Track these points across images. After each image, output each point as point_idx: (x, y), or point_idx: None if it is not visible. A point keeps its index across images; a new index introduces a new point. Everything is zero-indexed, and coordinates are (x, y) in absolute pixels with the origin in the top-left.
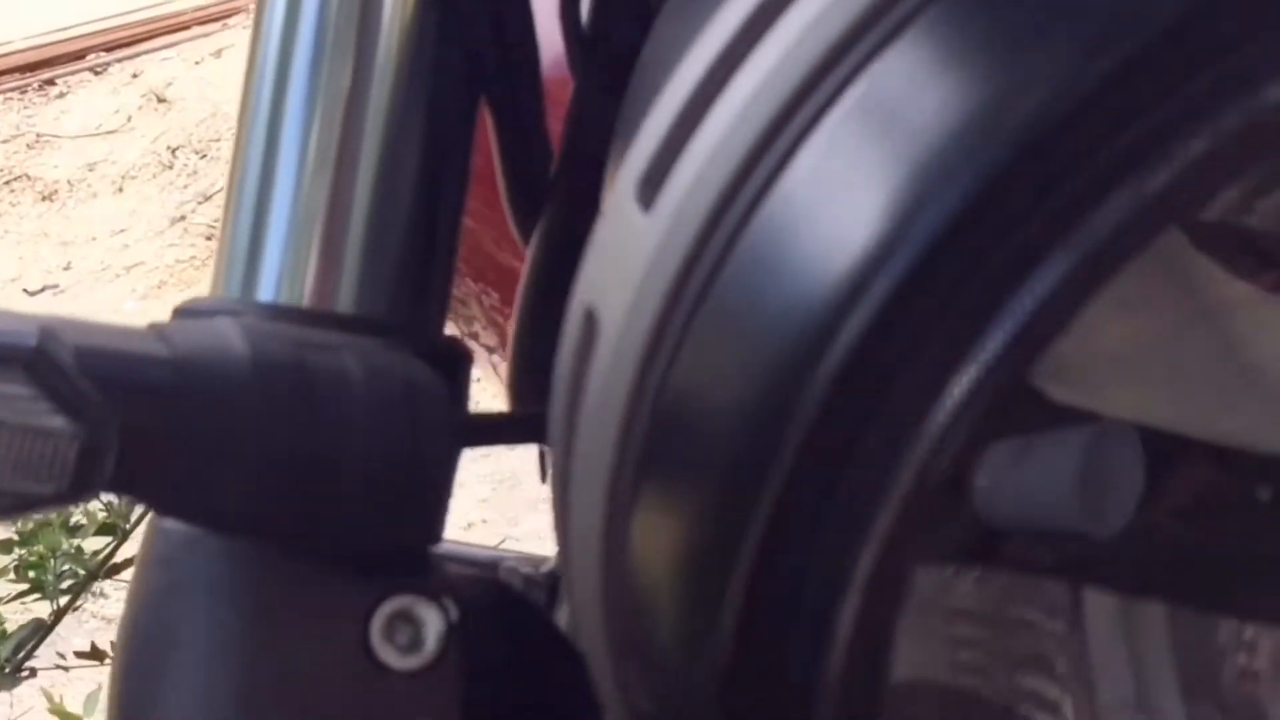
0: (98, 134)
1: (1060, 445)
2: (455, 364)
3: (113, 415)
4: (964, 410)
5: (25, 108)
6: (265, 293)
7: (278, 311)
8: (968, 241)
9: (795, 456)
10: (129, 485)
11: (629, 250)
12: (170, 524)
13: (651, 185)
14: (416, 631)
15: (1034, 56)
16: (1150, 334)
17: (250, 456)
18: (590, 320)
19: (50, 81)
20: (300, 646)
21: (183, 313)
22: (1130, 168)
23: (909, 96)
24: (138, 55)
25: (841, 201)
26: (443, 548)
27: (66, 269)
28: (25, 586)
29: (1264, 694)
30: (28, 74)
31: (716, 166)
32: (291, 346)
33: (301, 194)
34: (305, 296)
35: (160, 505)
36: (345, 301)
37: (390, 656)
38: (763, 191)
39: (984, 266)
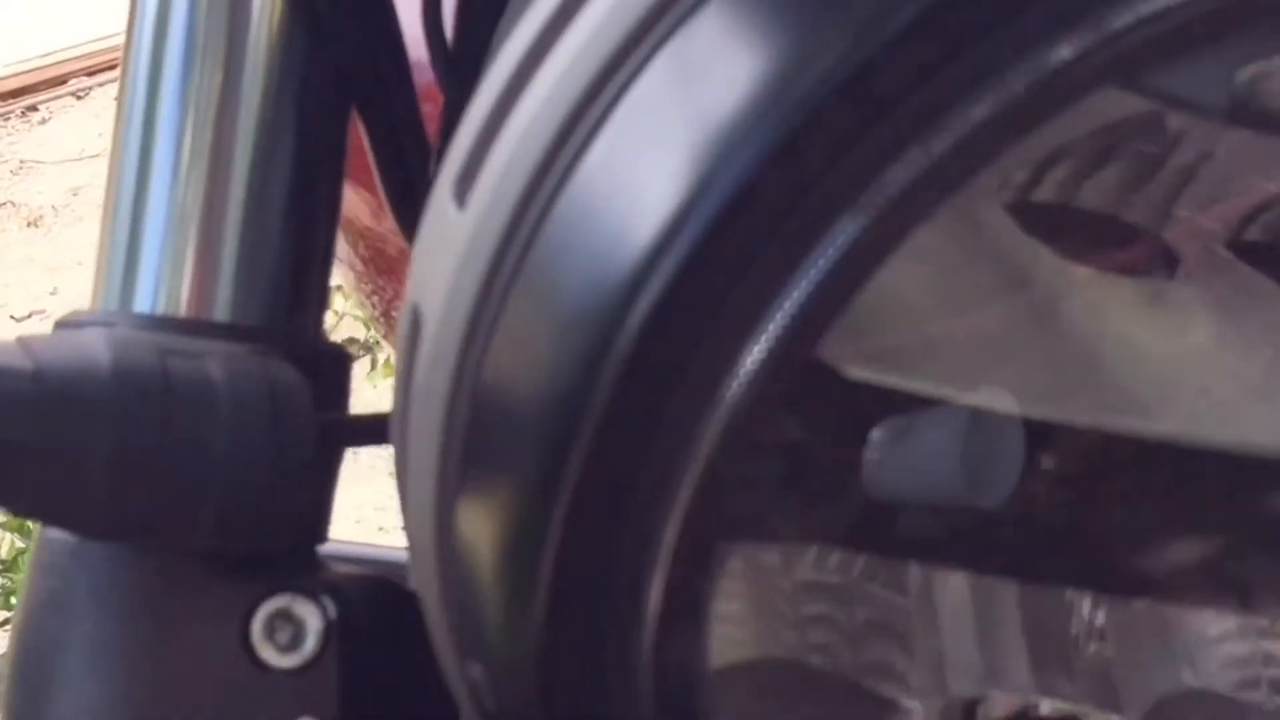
0: (81, 159)
1: (942, 421)
2: (332, 367)
3: None
4: (759, 380)
5: (8, 134)
6: (142, 304)
7: (151, 321)
8: (756, 211)
9: (596, 433)
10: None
11: (446, 247)
12: (54, 533)
13: (465, 182)
14: (297, 630)
15: (819, 26)
16: (985, 321)
17: (110, 463)
18: (415, 316)
19: (32, 108)
20: (182, 648)
21: (59, 325)
22: (916, 131)
23: (700, 75)
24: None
25: (636, 181)
26: (330, 547)
27: (53, 294)
28: (6, 615)
29: (1111, 662)
30: (10, 100)
31: (521, 158)
32: (154, 355)
33: (175, 206)
34: (182, 306)
35: (29, 513)
36: (221, 310)
37: (271, 655)
38: (564, 178)
39: (773, 234)
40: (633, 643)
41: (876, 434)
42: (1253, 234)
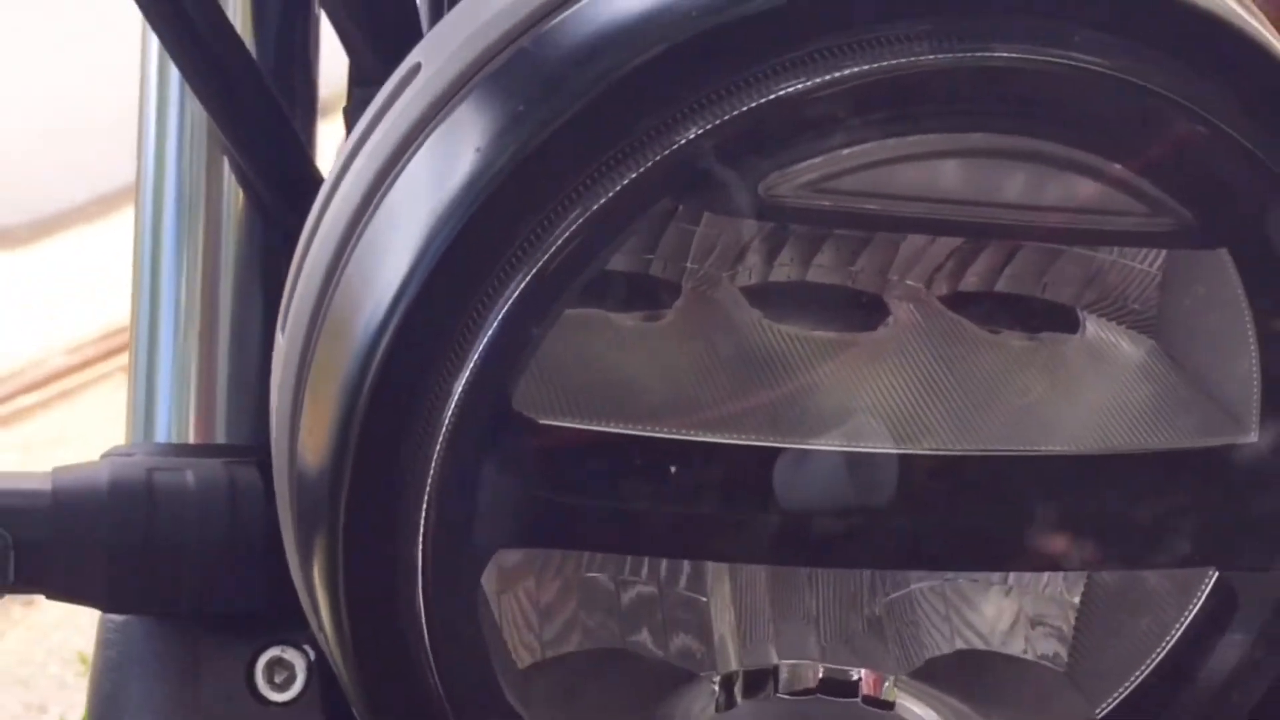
0: None
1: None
2: None
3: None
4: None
5: None
6: (160, 434)
7: (153, 448)
8: (449, 281)
9: (370, 409)
10: (33, 583)
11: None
12: (109, 616)
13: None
14: (289, 672)
15: (491, 139)
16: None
17: (111, 553)
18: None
19: None
20: (201, 693)
21: (102, 457)
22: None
23: (416, 192)
24: None
25: (384, 264)
26: None
27: None
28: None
29: (887, 630)
30: None
31: (345, 204)
32: (143, 471)
33: (176, 362)
34: (190, 434)
35: (51, 594)
36: (219, 434)
37: (270, 693)
38: (348, 260)
39: (462, 298)
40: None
41: (782, 460)
42: (951, 286)
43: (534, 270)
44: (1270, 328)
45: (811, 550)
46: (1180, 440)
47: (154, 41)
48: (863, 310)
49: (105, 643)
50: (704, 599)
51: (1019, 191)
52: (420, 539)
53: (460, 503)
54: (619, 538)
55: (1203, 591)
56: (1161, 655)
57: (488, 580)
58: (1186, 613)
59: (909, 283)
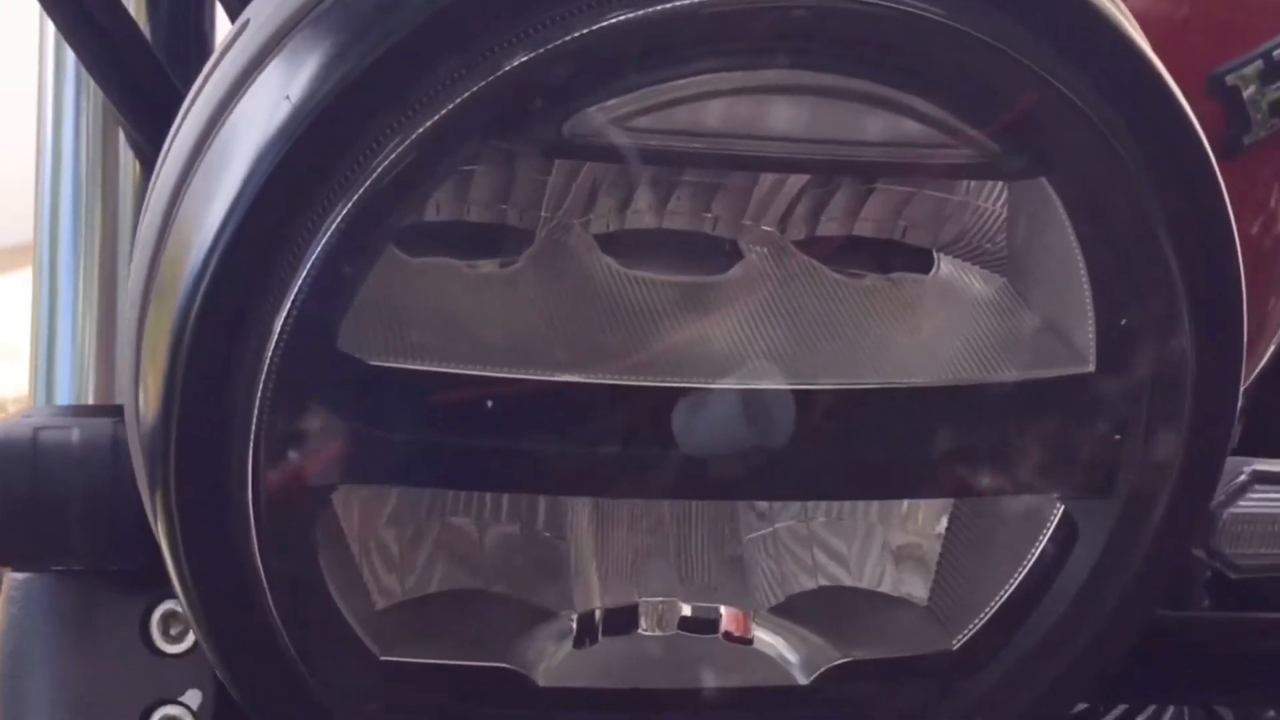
0: None
1: (730, 395)
2: None
3: None
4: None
5: None
6: (61, 398)
7: (56, 409)
8: (265, 219)
9: (203, 315)
10: None
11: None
12: (12, 573)
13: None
14: (183, 625)
15: (305, 84)
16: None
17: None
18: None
19: None
20: (99, 646)
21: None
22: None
23: (252, 117)
24: None
25: (212, 196)
26: None
27: None
28: None
29: (749, 570)
30: None
31: (178, 154)
32: (30, 430)
33: (76, 327)
34: (90, 397)
35: None
36: (116, 396)
37: (165, 645)
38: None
39: (280, 236)
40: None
41: (681, 404)
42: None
43: (348, 208)
44: (1097, 260)
45: (658, 485)
46: (1025, 372)
47: (50, 26)
48: (717, 255)
49: (9, 600)
50: (563, 540)
51: (831, 128)
52: (251, 481)
53: (290, 444)
54: (454, 474)
55: (1050, 523)
56: (1012, 588)
57: (348, 523)
58: (1035, 545)
59: (764, 228)
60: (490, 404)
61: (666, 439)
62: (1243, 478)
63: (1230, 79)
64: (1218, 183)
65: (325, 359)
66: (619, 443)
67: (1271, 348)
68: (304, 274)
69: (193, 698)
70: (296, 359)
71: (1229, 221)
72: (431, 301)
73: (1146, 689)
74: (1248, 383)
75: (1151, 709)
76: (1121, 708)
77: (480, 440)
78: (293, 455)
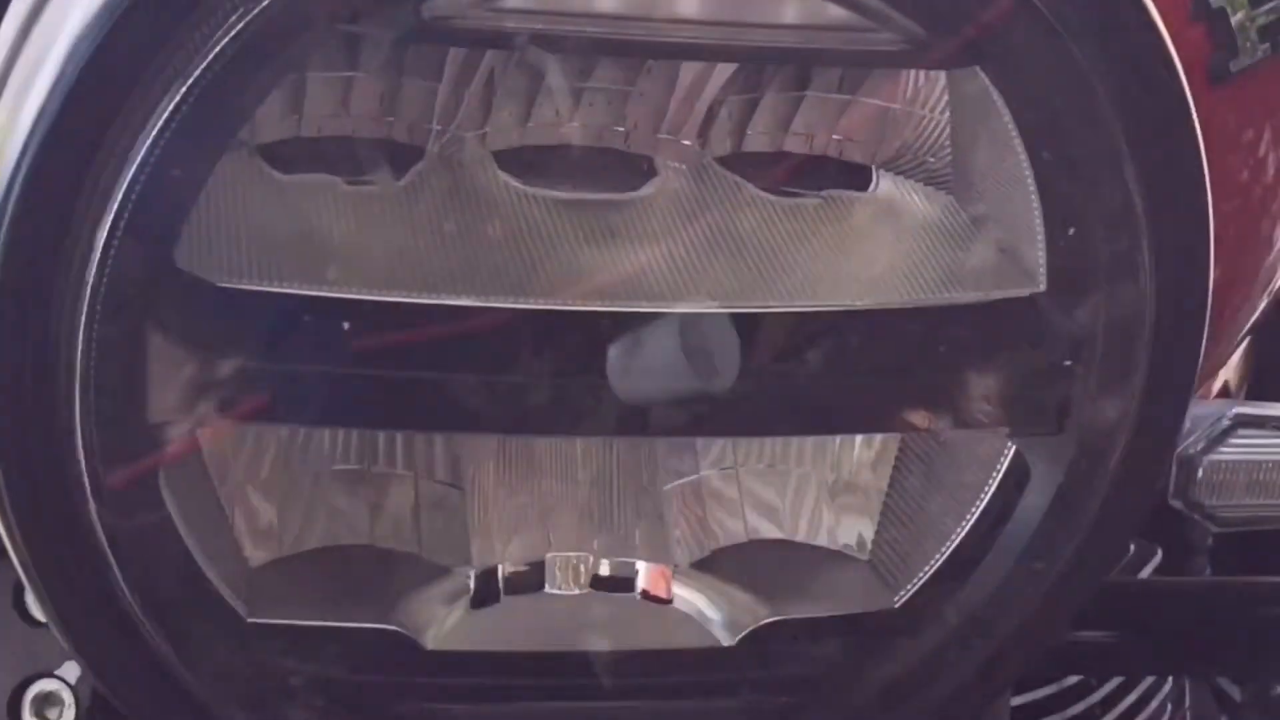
0: None
1: (662, 328)
2: None
3: None
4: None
5: None
6: None
7: None
8: (83, 114)
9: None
10: None
11: None
12: None
13: None
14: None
15: None
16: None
17: None
18: None
19: None
20: None
21: None
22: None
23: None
24: None
25: (29, 90)
26: None
27: None
28: None
29: (668, 525)
30: None
31: None
32: None
33: None
34: None
35: None
36: None
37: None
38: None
39: (99, 131)
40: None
41: (613, 349)
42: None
43: (177, 100)
44: (1045, 168)
45: (569, 422)
46: (972, 294)
47: None
48: (630, 173)
49: None
50: (461, 489)
51: (741, 10)
52: (80, 422)
53: (124, 377)
54: (326, 411)
55: (1001, 465)
56: (959, 538)
57: (216, 471)
58: (984, 490)
59: (683, 142)
60: (362, 331)
61: (578, 370)
62: (1225, 422)
63: (1217, 1)
64: (1180, 83)
65: (162, 278)
66: (521, 374)
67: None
68: (130, 176)
69: (69, 670)
70: (127, 276)
71: (1194, 130)
72: (302, 221)
73: (1141, 661)
74: (1257, 318)
75: (1147, 683)
76: (1115, 682)
77: (351, 371)
78: (128, 390)
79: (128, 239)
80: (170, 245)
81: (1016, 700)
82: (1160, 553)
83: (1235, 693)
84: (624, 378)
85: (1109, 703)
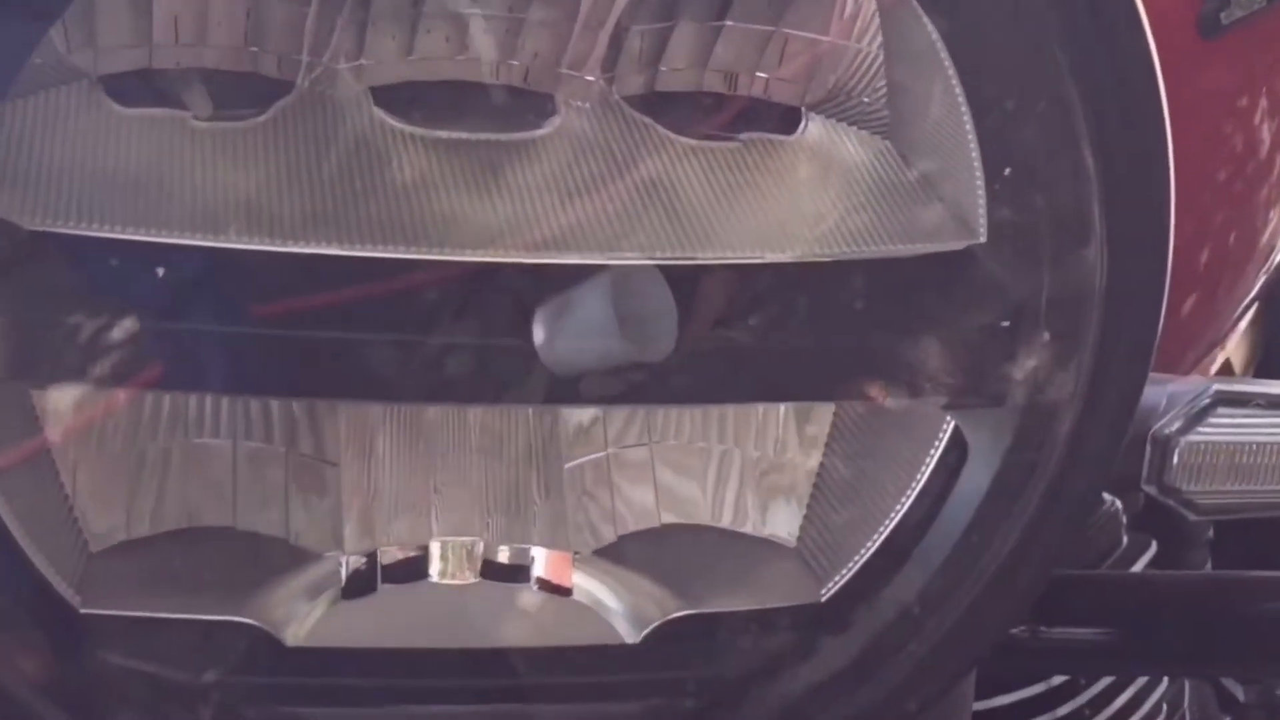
0: None
1: (592, 293)
2: None
3: None
4: None
5: None
6: None
7: None
8: None
9: None
10: None
11: None
12: None
13: None
14: None
15: None
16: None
17: None
18: None
19: None
20: None
21: None
22: None
23: None
24: None
25: None
26: None
27: None
28: None
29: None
30: None
31: None
32: None
33: None
34: None
35: None
36: None
37: None
38: None
39: None
40: None
41: (540, 314)
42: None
43: None
44: (984, 111)
45: (439, 387)
46: (905, 246)
47: None
48: (527, 112)
49: None
50: (332, 465)
51: None
52: None
53: None
54: (167, 371)
55: (938, 442)
56: (891, 524)
57: (56, 445)
58: (919, 470)
59: (586, 78)
60: (204, 282)
61: (463, 328)
62: (1204, 400)
63: None
64: (1140, 25)
65: None
66: (396, 333)
67: None
68: None
69: None
70: None
71: (1154, 76)
72: (139, 159)
73: (1135, 659)
74: (1259, 291)
75: (1140, 683)
76: (1105, 682)
77: (187, 328)
78: None
79: None
80: None
81: (1001, 701)
82: (1155, 545)
83: (1240, 692)
84: (550, 346)
85: (1099, 703)
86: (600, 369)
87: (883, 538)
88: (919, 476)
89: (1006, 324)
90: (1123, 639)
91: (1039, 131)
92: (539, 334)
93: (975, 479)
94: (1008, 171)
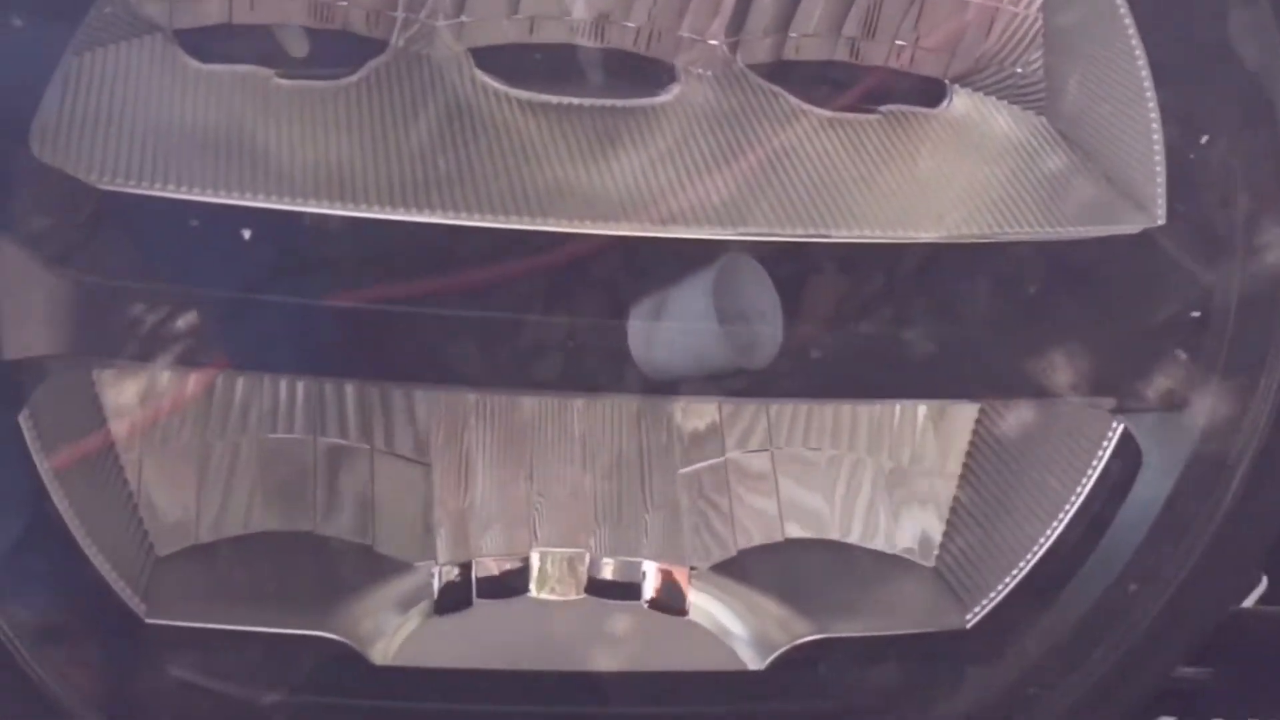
0: None
1: (693, 290)
2: None
3: None
4: None
5: None
6: None
7: None
8: None
9: None
10: None
11: None
12: None
13: None
14: None
15: None
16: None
17: None
18: None
19: None
20: None
21: None
22: None
23: None
24: None
25: None
26: None
27: None
28: None
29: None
30: None
31: None
32: None
33: None
34: None
35: None
36: None
37: None
38: None
39: None
40: None
41: (635, 314)
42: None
43: None
44: (1169, 79)
45: (560, 378)
46: (1066, 229)
47: None
48: (643, 79)
49: None
50: (425, 464)
51: None
52: None
53: None
54: (248, 350)
55: (1104, 448)
56: (1050, 540)
57: (126, 443)
58: (1083, 480)
59: (710, 42)
60: (285, 249)
61: (574, 310)
62: None
63: None
64: None
65: (15, 172)
66: (501, 312)
67: None
68: None
69: None
70: None
71: None
72: (219, 118)
73: (1247, 701)
74: None
75: None
76: None
77: (261, 299)
78: None
79: None
80: (23, 126)
81: None
82: (1265, 580)
83: None
84: (646, 349)
85: None
86: (698, 375)
87: (1037, 558)
88: (1080, 490)
89: (1194, 315)
90: (1235, 678)
91: (1232, 101)
92: (634, 337)
93: (1148, 492)
94: (1195, 145)
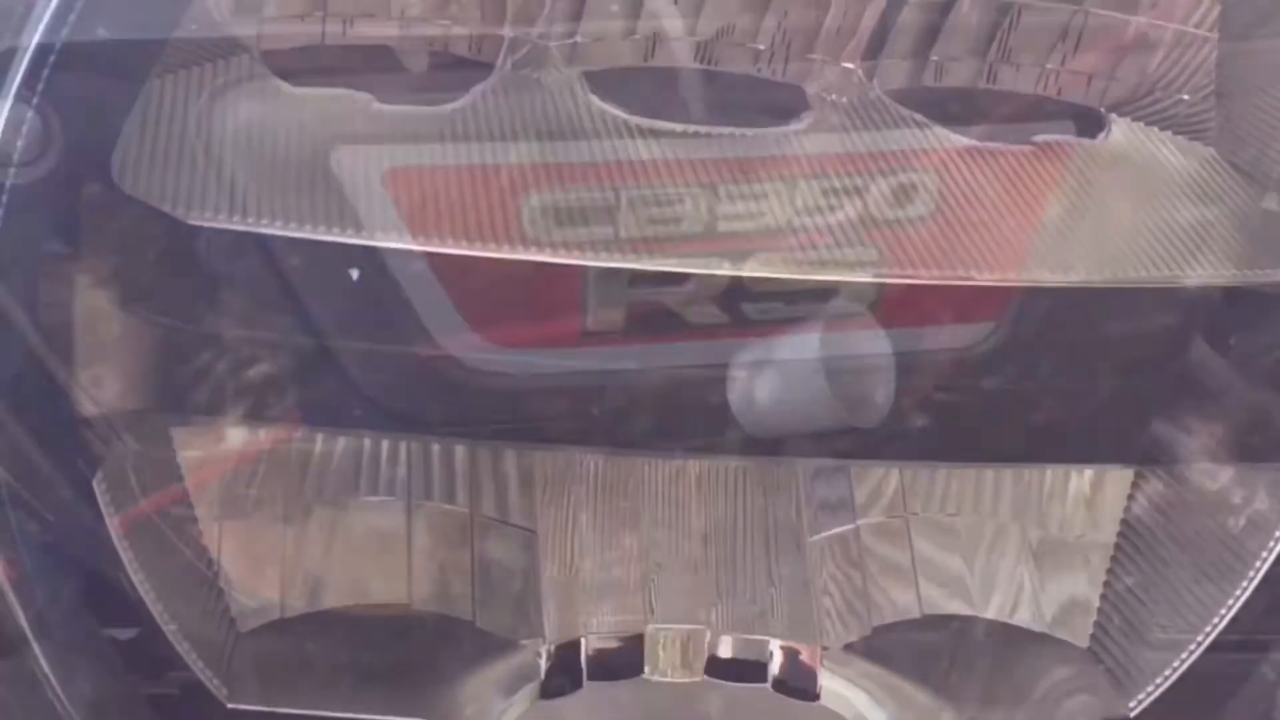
0: None
1: (807, 365)
2: None
3: None
4: None
5: None
6: None
7: None
8: None
9: None
10: None
11: None
12: None
13: None
14: None
15: None
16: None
17: None
18: None
19: None
20: None
21: None
22: None
23: None
24: None
25: None
26: None
27: None
28: None
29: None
30: None
31: None
32: None
33: None
34: None
35: None
36: None
37: None
38: None
39: None
40: None
41: (739, 368)
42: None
43: None
44: None
45: (683, 437)
46: (1247, 271)
47: None
48: (770, 106)
49: None
50: (530, 531)
51: None
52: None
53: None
54: (352, 409)
55: None
56: (1225, 619)
57: (207, 517)
58: (1261, 555)
59: (844, 65)
60: (377, 290)
61: (694, 362)
62: None
63: None
64: None
65: (95, 203)
66: (613, 364)
67: None
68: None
69: None
70: (41, 199)
71: None
72: (313, 145)
73: None
74: None
75: None
76: None
77: (376, 348)
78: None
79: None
80: (103, 156)
81: None
82: None
83: None
84: (749, 408)
85: None
86: (805, 432)
87: (1209, 639)
88: (1257, 565)
89: None
90: None
91: None
92: (736, 392)
93: None
94: None
